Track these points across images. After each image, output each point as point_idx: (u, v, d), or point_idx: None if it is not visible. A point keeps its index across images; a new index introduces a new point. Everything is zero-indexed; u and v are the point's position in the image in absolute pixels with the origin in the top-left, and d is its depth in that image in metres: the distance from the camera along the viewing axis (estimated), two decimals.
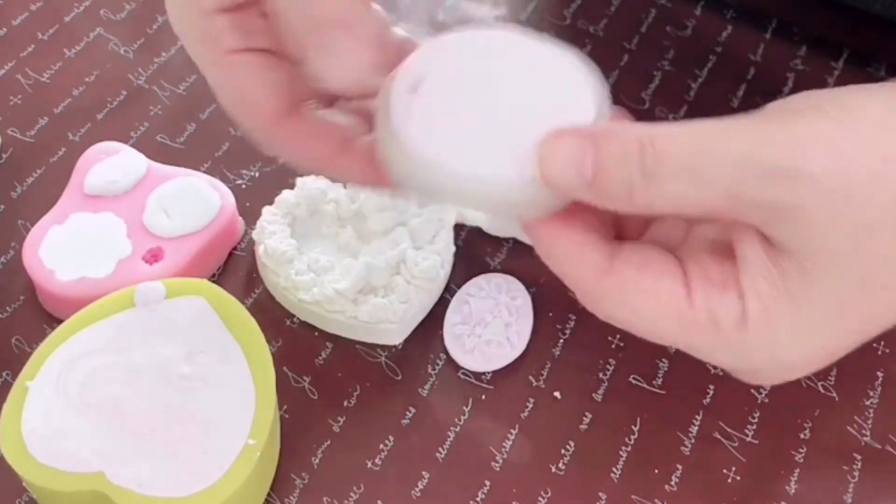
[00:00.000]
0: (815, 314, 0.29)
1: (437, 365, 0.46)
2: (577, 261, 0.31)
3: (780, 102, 0.29)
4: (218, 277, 0.49)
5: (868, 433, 0.45)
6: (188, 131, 0.54)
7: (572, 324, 0.48)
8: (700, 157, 0.28)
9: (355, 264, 0.46)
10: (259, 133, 0.34)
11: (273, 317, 0.47)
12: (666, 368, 0.46)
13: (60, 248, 0.46)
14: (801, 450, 0.44)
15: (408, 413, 0.45)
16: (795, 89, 0.57)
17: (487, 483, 0.43)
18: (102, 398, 0.40)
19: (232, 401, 0.40)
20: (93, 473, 0.38)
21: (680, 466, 0.44)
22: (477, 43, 0.34)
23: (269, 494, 0.42)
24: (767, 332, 0.29)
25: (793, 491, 0.43)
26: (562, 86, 0.32)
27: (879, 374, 0.47)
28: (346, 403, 0.45)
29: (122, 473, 0.38)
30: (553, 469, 0.43)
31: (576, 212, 0.31)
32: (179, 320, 0.42)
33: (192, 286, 0.43)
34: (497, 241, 0.50)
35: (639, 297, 0.30)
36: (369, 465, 0.43)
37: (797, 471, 0.44)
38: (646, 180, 0.28)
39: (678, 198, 0.28)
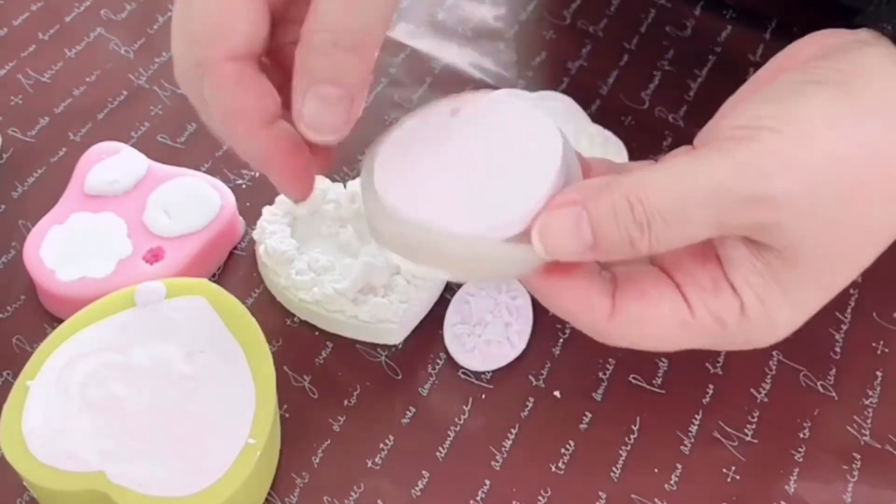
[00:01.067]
0: (803, 293, 0.33)
1: (437, 364, 0.46)
2: (584, 310, 0.33)
3: (735, 121, 0.32)
4: (218, 277, 0.49)
5: (867, 433, 0.45)
6: (188, 131, 0.54)
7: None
8: (684, 202, 0.31)
9: (355, 264, 0.46)
10: (210, 58, 0.34)
11: (273, 316, 0.47)
12: (666, 368, 0.46)
13: (61, 248, 0.47)
14: (800, 449, 0.44)
15: (408, 412, 0.45)
16: None
17: (487, 482, 0.43)
18: (103, 398, 0.40)
19: (232, 400, 0.40)
20: (93, 473, 0.38)
21: (680, 466, 0.44)
22: (451, 108, 0.36)
23: (269, 494, 0.42)
24: (766, 317, 0.33)
25: (792, 490, 0.43)
26: (530, 139, 0.34)
27: (879, 373, 0.47)
28: (346, 403, 0.45)
29: (123, 473, 0.38)
30: (553, 468, 0.44)
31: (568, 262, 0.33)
32: (180, 320, 0.42)
33: (192, 286, 0.43)
34: None
35: (646, 326, 0.33)
36: (369, 464, 0.43)
37: (797, 470, 0.44)
38: (642, 232, 0.31)
39: (675, 239, 0.31)
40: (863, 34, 0.34)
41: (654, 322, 0.33)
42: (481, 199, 0.33)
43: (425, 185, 0.33)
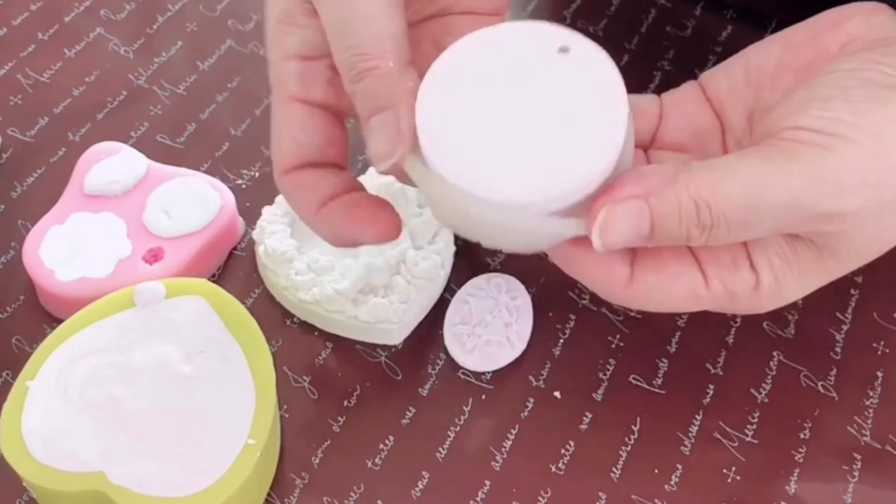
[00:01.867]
0: (818, 278, 0.34)
1: (437, 365, 0.46)
2: (604, 276, 0.34)
3: (803, 119, 0.31)
4: (218, 277, 0.49)
5: (868, 433, 0.45)
6: (188, 131, 0.54)
7: (572, 324, 0.48)
8: (753, 213, 0.31)
9: (355, 264, 0.46)
10: (274, 173, 0.38)
11: (273, 317, 0.47)
12: (666, 368, 0.46)
13: (60, 248, 0.46)
14: (800, 450, 0.44)
15: (408, 413, 0.45)
16: None
17: (487, 483, 0.43)
18: (103, 398, 0.40)
19: (232, 401, 0.40)
20: (93, 473, 0.38)
21: (680, 466, 0.44)
22: (500, 42, 0.34)
23: (269, 494, 0.42)
24: (776, 294, 0.34)
25: (793, 491, 0.43)
26: (597, 102, 0.33)
27: (879, 374, 0.47)
28: (346, 403, 0.45)
29: (123, 473, 0.38)
30: (553, 469, 0.43)
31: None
32: (179, 320, 0.42)
33: (192, 286, 0.43)
34: None
35: (661, 295, 0.34)
36: (369, 464, 0.43)
37: (797, 471, 0.44)
38: (702, 233, 0.31)
39: (730, 240, 0.32)
40: None
41: (669, 293, 0.34)
42: (533, 166, 0.31)
43: (474, 137, 0.32)
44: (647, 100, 0.40)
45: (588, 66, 0.33)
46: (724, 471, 0.44)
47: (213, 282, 0.47)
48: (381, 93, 0.33)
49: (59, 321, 0.42)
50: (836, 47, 0.35)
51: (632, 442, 0.44)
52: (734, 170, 0.31)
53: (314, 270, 0.47)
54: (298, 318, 0.48)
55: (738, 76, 0.38)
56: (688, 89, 0.40)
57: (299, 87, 0.37)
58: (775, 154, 0.31)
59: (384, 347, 0.47)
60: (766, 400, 0.46)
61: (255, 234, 0.48)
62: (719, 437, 0.45)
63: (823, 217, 0.31)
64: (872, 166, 0.30)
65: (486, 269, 0.49)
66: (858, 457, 0.44)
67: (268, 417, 0.40)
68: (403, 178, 0.36)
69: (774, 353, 0.47)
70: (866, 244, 0.33)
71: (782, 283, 0.33)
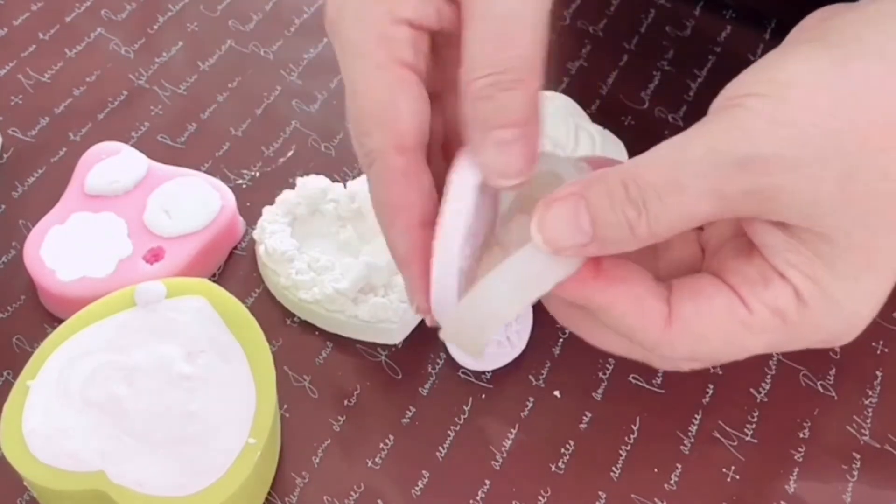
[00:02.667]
0: (854, 263, 0.30)
1: (437, 364, 0.46)
2: (640, 315, 0.31)
3: (724, 94, 0.31)
4: (218, 277, 0.49)
5: (867, 432, 0.45)
6: (189, 131, 0.54)
7: None
8: (675, 170, 0.29)
9: (355, 263, 0.46)
10: (378, 150, 0.33)
11: (273, 316, 0.47)
12: None
13: (61, 248, 0.47)
14: (800, 449, 0.44)
15: (408, 412, 0.45)
16: None
17: (487, 482, 0.43)
18: (103, 398, 0.40)
19: (232, 400, 0.40)
20: (93, 472, 0.38)
21: (679, 465, 0.44)
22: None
23: (269, 493, 0.42)
24: (825, 299, 0.31)
25: (792, 490, 0.43)
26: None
27: (878, 373, 0.47)
28: (346, 403, 0.45)
29: (123, 473, 0.38)
30: (553, 468, 0.44)
31: (615, 264, 0.32)
32: (180, 320, 0.42)
33: (192, 286, 0.43)
34: None
35: (704, 326, 0.31)
36: (369, 464, 0.43)
37: (796, 470, 0.44)
38: (639, 213, 0.30)
39: (674, 216, 0.30)
40: None
41: (711, 321, 0.31)
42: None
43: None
44: None
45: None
46: (724, 470, 0.44)
47: (214, 281, 0.47)
48: (519, 107, 0.31)
49: (60, 321, 0.43)
50: None
51: (631, 441, 0.44)
52: (655, 149, 0.30)
53: (314, 270, 0.47)
54: (299, 318, 0.48)
55: None
56: None
57: (413, 55, 0.33)
58: (693, 126, 0.30)
59: (384, 347, 0.47)
60: (766, 399, 0.46)
61: (256, 234, 0.49)
62: (719, 436, 0.45)
63: (743, 163, 0.29)
64: (777, 107, 0.29)
65: None
66: (857, 456, 0.44)
67: (268, 417, 0.40)
68: None
69: (773, 353, 0.47)
70: (847, 202, 0.29)
71: (820, 281, 0.30)
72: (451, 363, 0.46)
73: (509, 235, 0.33)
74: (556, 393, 0.46)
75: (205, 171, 0.51)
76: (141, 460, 0.38)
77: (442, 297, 0.32)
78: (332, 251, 0.48)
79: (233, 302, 0.43)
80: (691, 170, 0.29)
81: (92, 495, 0.38)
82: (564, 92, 0.55)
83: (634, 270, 0.32)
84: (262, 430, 0.39)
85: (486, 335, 0.31)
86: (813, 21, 0.34)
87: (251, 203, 0.51)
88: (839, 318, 0.31)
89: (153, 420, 0.39)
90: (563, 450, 0.44)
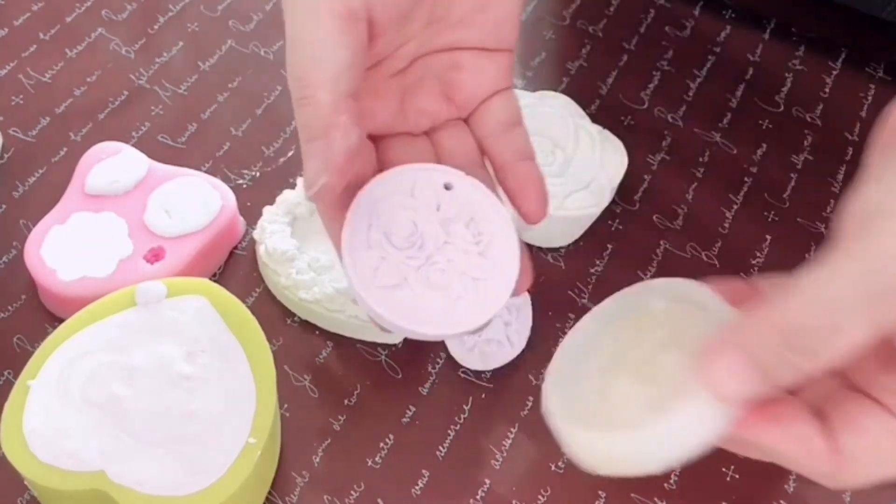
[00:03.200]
0: None
1: (438, 364, 0.47)
2: (809, 456, 0.31)
3: (849, 210, 0.30)
4: (219, 277, 0.49)
5: None
6: (189, 131, 0.54)
7: (572, 322, 0.48)
8: (829, 311, 0.29)
9: None
10: (312, 90, 0.34)
11: (273, 316, 0.48)
12: None
13: (62, 248, 0.47)
14: None
15: (408, 411, 0.45)
16: (794, 89, 0.58)
17: (487, 481, 0.43)
18: (104, 397, 0.40)
19: (233, 400, 0.40)
20: (94, 472, 0.38)
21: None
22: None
23: (270, 493, 0.42)
24: None
25: (791, 490, 0.43)
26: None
27: None
28: (346, 402, 0.45)
29: (124, 472, 0.38)
30: (552, 467, 0.44)
31: (773, 399, 0.31)
32: (180, 319, 0.42)
33: (193, 285, 0.43)
34: None
35: (873, 460, 0.31)
36: (370, 463, 0.44)
37: None
38: (801, 355, 0.29)
39: (832, 351, 0.29)
40: None
41: (880, 455, 0.31)
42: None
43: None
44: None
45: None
46: (724, 469, 0.44)
47: (214, 281, 0.47)
48: (312, 123, 0.33)
49: (61, 320, 0.43)
50: None
51: None
52: (798, 286, 0.29)
53: (315, 269, 0.47)
54: (299, 318, 0.48)
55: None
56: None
57: (362, 5, 0.34)
58: (831, 254, 0.29)
59: (384, 346, 0.47)
60: None
61: (256, 234, 0.49)
62: None
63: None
64: None
65: None
66: None
67: (268, 416, 0.40)
68: (327, 207, 0.36)
69: None
70: None
71: None
72: (451, 363, 0.46)
73: (658, 369, 0.32)
74: None
75: (205, 171, 0.51)
76: (141, 460, 0.39)
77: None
78: (332, 251, 0.48)
79: (233, 301, 0.43)
80: (845, 306, 0.28)
81: (92, 495, 0.38)
82: (564, 92, 0.55)
83: (790, 404, 0.31)
84: (262, 429, 0.40)
85: (631, 470, 0.31)
86: None
87: (251, 203, 0.51)
88: None
89: (153, 420, 0.39)
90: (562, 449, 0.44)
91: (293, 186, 0.50)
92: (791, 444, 0.31)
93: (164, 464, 0.38)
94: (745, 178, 0.54)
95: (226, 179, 0.51)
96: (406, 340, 0.47)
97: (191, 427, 0.39)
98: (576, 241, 0.51)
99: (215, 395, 0.40)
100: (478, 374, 0.46)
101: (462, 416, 0.45)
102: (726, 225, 0.52)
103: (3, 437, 0.39)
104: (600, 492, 0.43)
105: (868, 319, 0.29)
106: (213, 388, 0.40)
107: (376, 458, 0.44)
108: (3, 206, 0.51)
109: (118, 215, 0.48)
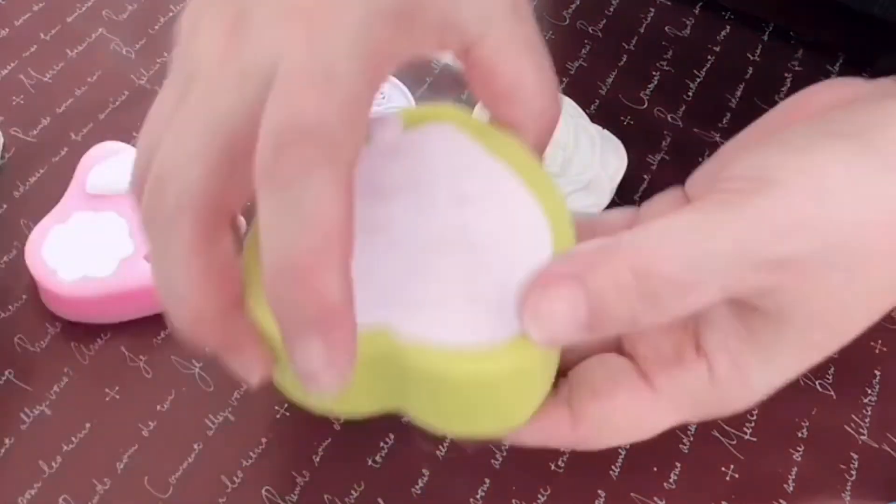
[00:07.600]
0: (786, 359, 0.30)
1: None
2: (546, 432, 0.31)
3: (736, 167, 0.29)
4: None
5: (865, 432, 0.45)
6: None
7: None
8: (699, 269, 0.27)
9: None
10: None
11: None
12: None
13: (63, 248, 0.47)
14: (799, 448, 0.45)
15: None
16: (793, 90, 0.58)
17: (487, 481, 0.43)
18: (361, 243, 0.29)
19: (520, 227, 0.31)
20: (375, 325, 0.29)
21: (678, 464, 0.44)
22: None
23: (269, 492, 0.42)
24: (739, 383, 0.30)
25: (790, 489, 0.43)
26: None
27: (877, 372, 0.47)
28: None
29: (410, 322, 0.29)
30: (552, 467, 0.44)
31: None
32: (431, 151, 0.33)
33: (433, 113, 0.33)
34: None
35: (610, 424, 0.31)
36: (370, 462, 0.44)
37: (795, 469, 0.44)
38: (648, 308, 0.27)
39: (678, 311, 0.27)
40: (885, 84, 0.31)
41: (618, 419, 0.31)
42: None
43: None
44: (621, 215, 0.34)
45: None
46: (723, 469, 0.44)
47: None
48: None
49: (62, 320, 0.42)
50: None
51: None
52: (669, 229, 0.27)
53: None
54: None
55: (714, 174, 0.32)
56: (669, 196, 0.34)
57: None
58: (711, 207, 0.28)
59: None
60: (765, 399, 0.46)
61: None
62: (718, 435, 0.45)
63: (768, 265, 0.27)
64: (808, 207, 0.27)
65: None
66: (856, 456, 0.44)
67: (568, 232, 0.30)
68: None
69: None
70: (830, 309, 0.29)
71: (743, 368, 0.30)
72: None
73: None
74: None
75: None
76: (428, 307, 0.29)
77: None
78: None
79: (485, 126, 0.33)
80: (713, 269, 0.27)
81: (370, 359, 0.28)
82: (564, 92, 0.55)
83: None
84: (566, 244, 0.30)
85: None
86: (826, 98, 0.31)
87: (251, 202, 0.51)
88: (741, 399, 0.31)
89: (433, 259, 0.30)
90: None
91: None
92: (538, 436, 0.31)
93: (456, 308, 0.29)
94: None
95: None
96: None
97: (479, 261, 0.30)
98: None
99: (498, 222, 0.31)
100: None
101: None
102: None
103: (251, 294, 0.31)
104: (600, 491, 0.43)
105: (726, 284, 0.27)
106: (492, 216, 0.31)
107: (376, 458, 0.44)
108: (4, 206, 0.51)
109: (119, 215, 0.48)
